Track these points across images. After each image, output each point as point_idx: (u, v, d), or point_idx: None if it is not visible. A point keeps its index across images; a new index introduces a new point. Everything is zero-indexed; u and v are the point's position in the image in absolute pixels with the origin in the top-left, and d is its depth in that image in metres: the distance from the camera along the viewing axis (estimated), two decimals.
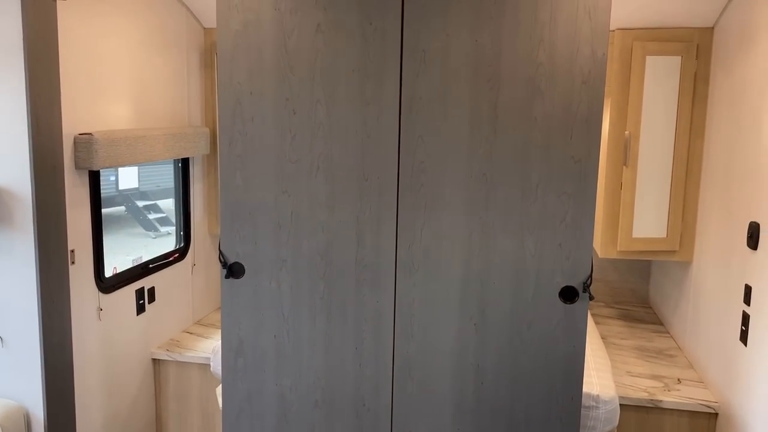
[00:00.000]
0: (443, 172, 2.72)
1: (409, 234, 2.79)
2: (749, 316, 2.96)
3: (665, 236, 3.97)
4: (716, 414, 3.34)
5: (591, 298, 2.70)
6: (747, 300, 2.99)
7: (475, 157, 2.69)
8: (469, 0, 2.60)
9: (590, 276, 2.68)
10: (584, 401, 2.97)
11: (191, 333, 4.31)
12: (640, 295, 5.09)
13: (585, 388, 2.98)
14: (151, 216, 16.25)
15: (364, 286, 2.85)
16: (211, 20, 4.21)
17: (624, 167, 3.90)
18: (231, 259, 2.93)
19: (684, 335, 4.05)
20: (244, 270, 2.93)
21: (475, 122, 2.67)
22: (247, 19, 2.76)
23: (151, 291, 3.91)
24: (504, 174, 2.68)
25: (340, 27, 2.70)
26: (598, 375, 3.18)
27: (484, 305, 2.78)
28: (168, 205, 16.36)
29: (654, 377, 3.68)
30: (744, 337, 3.00)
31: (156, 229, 15.96)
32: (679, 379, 3.65)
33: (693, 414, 3.39)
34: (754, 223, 2.93)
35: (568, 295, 2.71)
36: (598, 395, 2.98)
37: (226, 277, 2.94)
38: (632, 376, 3.69)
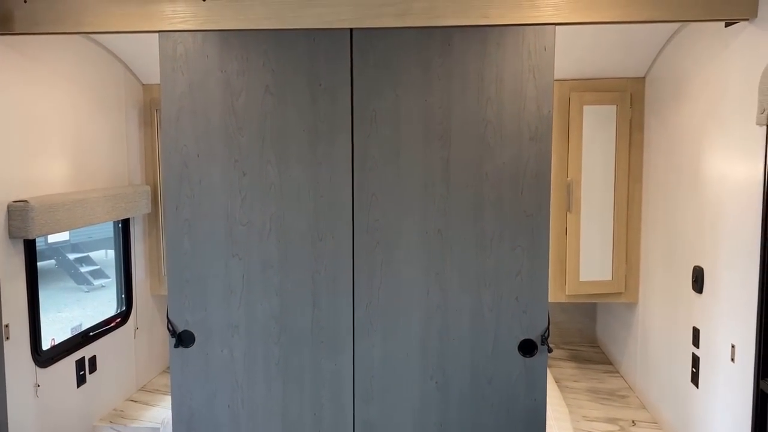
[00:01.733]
0: (398, 230, 2.71)
1: (366, 293, 2.75)
2: (699, 358, 3.04)
3: (611, 279, 4.06)
4: None
5: (550, 350, 2.71)
6: (696, 342, 3.07)
7: (430, 214, 2.69)
8: (417, 61, 2.63)
9: (548, 329, 2.70)
10: None
11: (136, 401, 4.10)
12: (587, 335, 5.17)
13: None
14: (84, 269, 15.58)
15: (321, 350, 2.78)
16: (149, 76, 4.13)
17: (568, 213, 3.99)
18: (180, 328, 2.81)
19: (635, 375, 4.12)
20: (194, 338, 2.82)
21: (428, 179, 2.68)
22: (192, 81, 2.71)
23: (92, 360, 3.70)
24: (459, 229, 2.69)
25: (289, 88, 2.68)
26: (558, 425, 3.18)
27: (445, 363, 2.75)
28: (101, 256, 15.75)
29: (609, 420, 3.71)
30: (695, 379, 3.07)
31: (89, 283, 15.29)
32: (633, 422, 3.69)
33: None
34: (698, 267, 3.02)
35: (527, 348, 2.72)
36: None
37: (175, 346, 2.81)
38: (588, 420, 3.71)
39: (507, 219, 2.67)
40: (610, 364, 4.66)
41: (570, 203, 3.98)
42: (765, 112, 2.36)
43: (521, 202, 2.66)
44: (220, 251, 2.76)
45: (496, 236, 2.68)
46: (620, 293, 4.08)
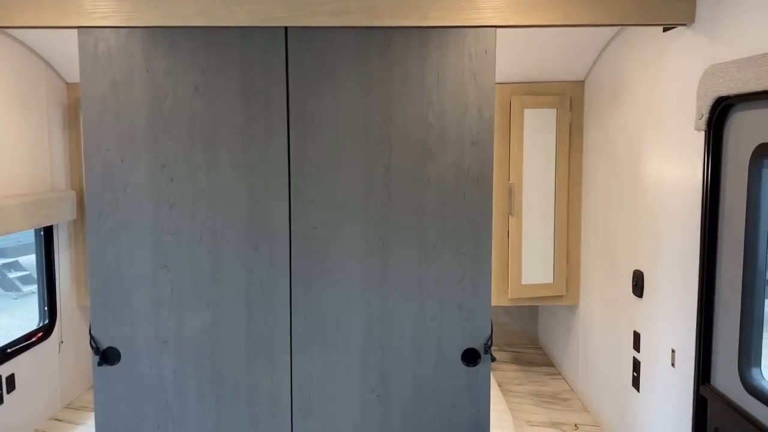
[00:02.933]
0: (338, 238, 2.60)
1: (305, 304, 2.63)
2: (640, 362, 3.04)
3: (552, 282, 4.07)
4: None
5: (493, 359, 2.66)
6: (636, 346, 3.08)
7: (371, 221, 2.60)
8: (356, 62, 2.53)
9: (491, 336, 2.64)
10: None
11: (60, 420, 3.85)
12: (530, 337, 5.19)
13: None
14: (12, 275, 14.82)
15: (257, 364, 2.64)
16: (74, 75, 3.88)
17: (510, 216, 3.97)
18: (104, 344, 2.63)
19: (576, 378, 4.13)
20: (119, 355, 2.63)
21: (369, 185, 2.58)
22: (115, 80, 2.53)
23: (11, 379, 3.45)
24: (400, 237, 2.60)
25: (220, 89, 2.54)
26: None
27: (387, 374, 2.66)
28: (31, 261, 15.00)
29: (553, 425, 3.70)
30: (636, 383, 3.08)
31: (18, 289, 14.55)
32: (576, 425, 3.69)
33: None
34: (638, 271, 3.03)
35: (471, 357, 2.65)
36: None
37: (99, 364, 2.63)
38: (532, 426, 3.69)
39: (449, 225, 2.60)
40: (553, 366, 4.67)
41: (512, 207, 3.96)
42: (703, 118, 2.37)
43: (464, 208, 2.60)
44: (146, 262, 2.59)
45: (438, 243, 2.61)
46: (561, 296, 4.09)
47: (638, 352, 3.07)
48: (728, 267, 2.30)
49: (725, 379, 2.31)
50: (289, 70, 2.53)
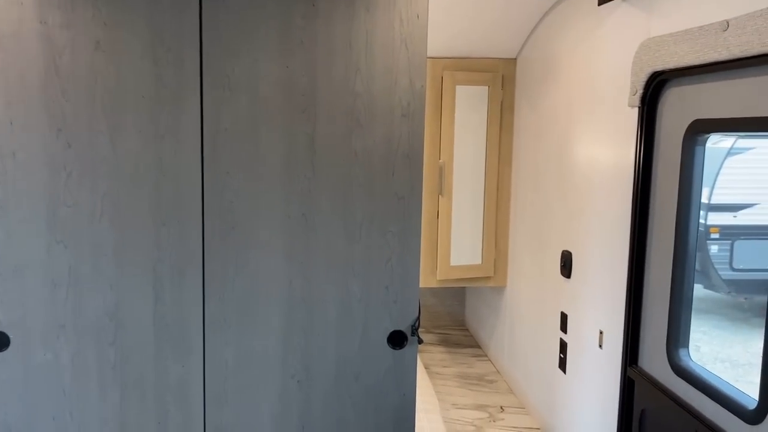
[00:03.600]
0: (257, 213, 2.40)
1: (219, 285, 2.43)
2: (567, 343, 3.01)
3: (481, 263, 4.00)
4: None
5: (420, 341, 2.54)
6: (564, 328, 3.04)
7: (293, 196, 2.41)
8: (278, 22, 2.32)
9: (418, 319, 2.52)
10: None
11: None
12: (457, 318, 5.15)
13: None
14: None
15: (166, 350, 2.43)
16: None
17: (440, 196, 3.87)
18: None
19: (502, 359, 4.10)
20: (8, 340, 2.36)
21: (291, 157, 2.39)
22: (2, 33, 2.23)
23: None
24: (325, 213, 2.43)
25: (124, 46, 2.28)
26: (427, 418, 3.04)
27: (309, 359, 2.50)
28: None
29: (478, 407, 3.65)
30: (563, 365, 3.05)
31: None
32: (501, 407, 3.65)
33: None
34: (567, 251, 2.98)
35: (397, 340, 2.53)
36: None
37: None
38: (458, 408, 3.63)
39: (377, 202, 2.45)
40: (479, 347, 4.64)
41: (442, 186, 3.85)
42: (637, 94, 2.31)
43: (393, 184, 2.45)
44: (40, 237, 2.32)
45: (365, 221, 2.45)
46: (489, 277, 4.04)
47: (565, 333, 3.03)
48: (659, 247, 2.26)
49: (653, 360, 2.28)
50: (203, 27, 2.30)
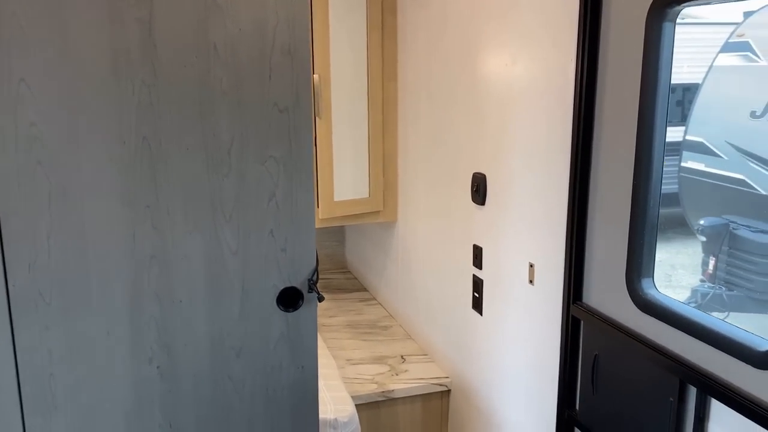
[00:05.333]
0: (74, 141, 1.66)
1: (27, 248, 1.68)
2: (482, 281, 2.58)
3: (368, 196, 3.47)
4: (449, 391, 2.98)
5: (321, 299, 1.98)
6: (478, 263, 2.60)
7: (127, 112, 1.69)
8: None
9: (316, 270, 1.94)
10: (322, 430, 2.27)
11: None
12: (337, 260, 4.63)
13: (320, 415, 2.27)
14: None
15: None
16: None
17: (317, 119, 3.23)
18: None
19: (396, 302, 3.65)
20: None
21: (119, 54, 1.65)
22: None
23: None
24: (177, 135, 1.74)
25: None
26: (328, 388, 2.51)
27: (170, 337, 1.84)
28: None
29: (377, 360, 3.18)
30: (478, 305, 2.62)
31: None
32: (402, 357, 3.21)
33: (426, 396, 2.97)
34: (479, 174, 2.51)
35: (289, 300, 1.94)
36: (335, 419, 2.30)
37: None
38: (354, 364, 3.14)
39: (251, 116, 1.80)
40: (366, 290, 4.16)
41: (318, 107, 3.21)
42: None
43: (270, 91, 1.80)
44: None
45: (235, 142, 1.80)
46: (378, 212, 3.52)
47: (480, 269, 2.59)
48: (612, 157, 1.82)
49: (607, 295, 1.88)
50: None
